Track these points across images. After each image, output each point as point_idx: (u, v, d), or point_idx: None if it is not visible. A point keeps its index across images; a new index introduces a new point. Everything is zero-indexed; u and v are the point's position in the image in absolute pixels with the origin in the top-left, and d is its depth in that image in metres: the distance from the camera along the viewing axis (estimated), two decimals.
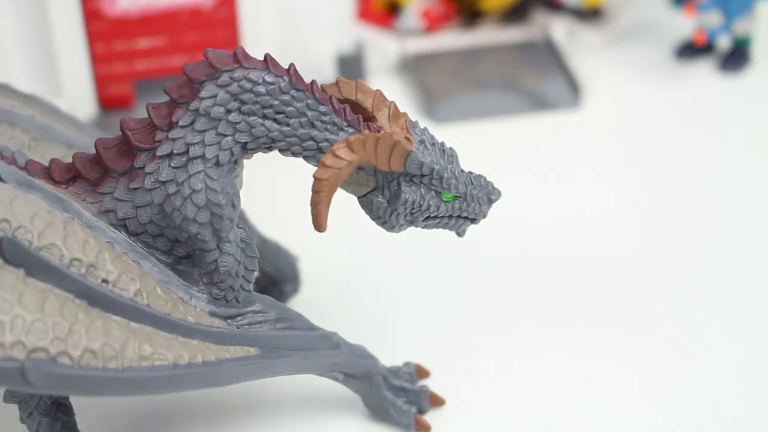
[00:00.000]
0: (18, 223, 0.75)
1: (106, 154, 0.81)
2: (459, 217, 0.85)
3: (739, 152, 1.28)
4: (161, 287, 0.82)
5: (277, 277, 1.04)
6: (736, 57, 1.40)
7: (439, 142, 0.84)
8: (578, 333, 1.03)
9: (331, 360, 0.89)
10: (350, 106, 0.82)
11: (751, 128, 1.32)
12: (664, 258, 1.12)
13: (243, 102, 0.79)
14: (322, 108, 0.80)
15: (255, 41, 1.28)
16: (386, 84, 1.39)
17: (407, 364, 0.95)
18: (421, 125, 0.85)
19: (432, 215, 0.84)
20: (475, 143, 1.29)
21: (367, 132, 0.80)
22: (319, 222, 0.80)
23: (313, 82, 0.81)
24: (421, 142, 0.82)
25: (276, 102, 0.80)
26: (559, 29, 1.44)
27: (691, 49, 1.42)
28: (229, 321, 0.84)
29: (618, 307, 1.06)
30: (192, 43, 1.27)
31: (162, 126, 0.80)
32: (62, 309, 0.75)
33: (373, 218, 0.85)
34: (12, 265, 0.75)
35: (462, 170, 0.85)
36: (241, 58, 0.79)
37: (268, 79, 0.80)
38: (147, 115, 0.81)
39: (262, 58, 0.81)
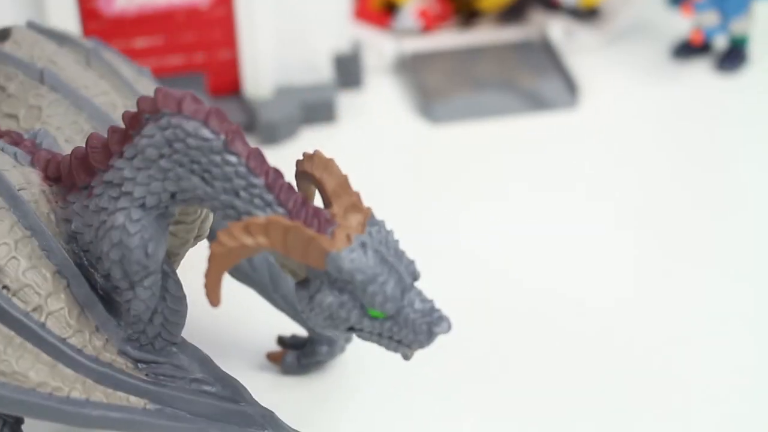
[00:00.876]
0: None
1: (89, 154, 0.79)
2: (391, 339, 0.77)
3: (736, 151, 1.28)
4: (73, 311, 0.79)
5: (311, 333, 0.98)
6: (734, 56, 1.40)
7: (399, 251, 0.76)
8: (579, 328, 1.03)
9: None
10: (316, 183, 0.77)
11: (748, 127, 1.32)
12: (662, 257, 1.12)
13: (175, 150, 0.75)
14: (254, 179, 0.75)
15: (252, 41, 1.28)
16: (383, 84, 1.39)
17: None
18: (388, 230, 0.77)
19: (356, 328, 0.77)
20: (472, 143, 1.29)
21: (273, 217, 0.74)
22: (209, 296, 0.76)
23: (254, 149, 0.75)
24: (363, 244, 0.74)
25: (205, 160, 0.75)
26: (556, 29, 1.44)
27: (688, 49, 1.42)
28: (139, 365, 0.81)
29: (617, 306, 1.06)
30: (189, 43, 1.27)
31: (114, 151, 0.78)
32: None
33: (299, 311, 0.79)
34: None
35: (410, 288, 0.76)
36: (185, 105, 0.75)
37: (202, 133, 0.74)
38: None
39: (206, 110, 0.75)
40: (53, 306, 0.79)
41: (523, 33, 1.46)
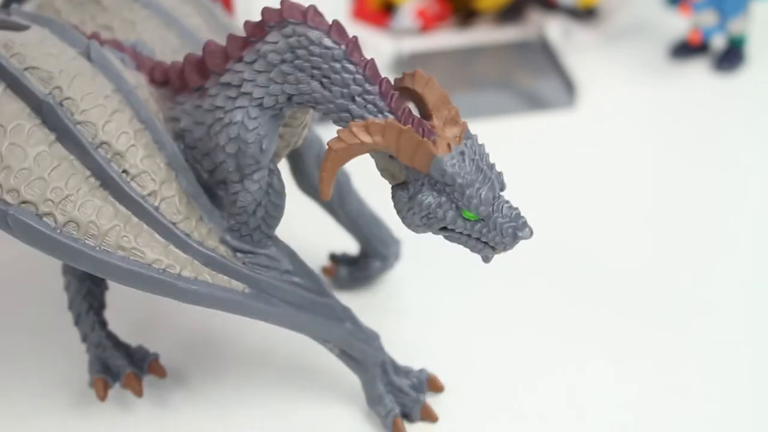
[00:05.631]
0: (69, 94, 0.85)
1: (206, 58, 0.85)
2: (479, 240, 0.83)
3: (734, 151, 1.28)
4: (182, 199, 0.86)
5: (366, 249, 1.07)
6: (731, 56, 1.41)
7: (490, 163, 0.83)
8: (579, 329, 1.03)
9: (327, 330, 0.90)
10: (416, 98, 0.83)
11: (746, 127, 1.32)
12: (660, 255, 1.12)
13: (297, 57, 0.82)
14: (368, 86, 0.81)
15: None
16: None
17: (422, 370, 0.95)
18: (481, 144, 0.83)
19: (449, 227, 0.83)
20: None
21: (391, 120, 0.80)
22: (321, 188, 0.82)
23: (371, 60, 0.82)
24: (461, 153, 0.81)
25: (326, 66, 0.81)
26: (554, 29, 1.44)
27: (686, 49, 1.42)
28: (237, 254, 0.87)
29: (615, 305, 1.06)
30: None
31: (232, 56, 0.84)
32: (69, 178, 0.84)
33: (396, 211, 0.85)
34: (47, 127, 0.84)
35: (498, 196, 0.83)
36: (309, 15, 0.81)
37: (326, 42, 0.81)
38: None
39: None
40: (166, 192, 0.86)
41: (521, 33, 1.46)
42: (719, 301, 1.07)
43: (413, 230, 0.84)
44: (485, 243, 0.83)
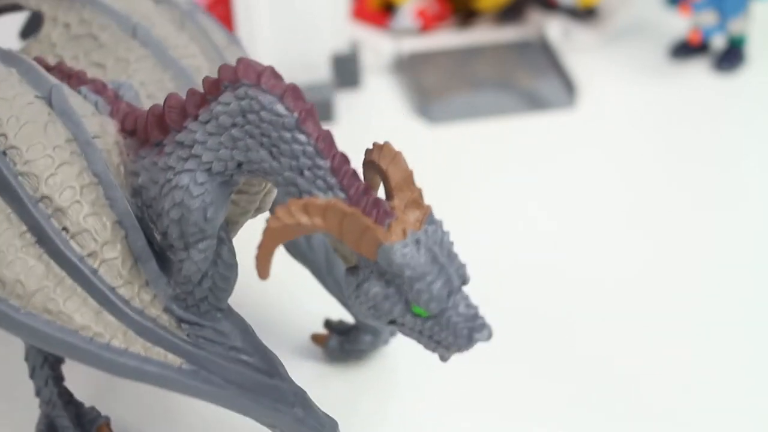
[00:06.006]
0: (14, 143, 0.79)
1: (165, 113, 0.80)
2: (430, 338, 0.76)
3: (734, 151, 1.28)
4: (126, 262, 0.81)
5: (357, 321, 0.99)
6: (731, 56, 1.41)
7: (452, 253, 0.76)
8: (576, 329, 1.03)
9: (272, 415, 0.83)
10: (382, 174, 0.77)
11: (746, 127, 1.32)
12: (660, 255, 1.12)
13: (248, 121, 0.76)
14: (319, 161, 0.75)
15: (250, 41, 1.28)
16: (381, 83, 1.39)
17: None
18: (445, 231, 0.76)
19: (397, 322, 0.76)
20: (470, 143, 1.29)
21: (333, 201, 0.73)
22: (258, 268, 0.76)
23: (326, 132, 0.76)
24: (417, 241, 0.74)
25: (275, 134, 0.75)
26: (554, 29, 1.44)
27: (686, 49, 1.42)
28: (182, 325, 0.82)
29: (614, 303, 1.06)
30: None
31: (190, 113, 0.79)
32: (2, 233, 0.79)
33: (346, 297, 0.79)
34: None
35: (456, 291, 0.75)
36: (264, 77, 0.76)
37: (277, 109, 0.75)
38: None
39: (285, 85, 0.76)
40: (108, 254, 0.80)
41: (521, 33, 1.46)
42: (720, 300, 1.07)
43: (362, 319, 0.78)
44: (438, 342, 0.76)
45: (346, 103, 1.35)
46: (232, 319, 0.83)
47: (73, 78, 0.86)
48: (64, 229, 0.79)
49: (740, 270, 1.10)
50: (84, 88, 0.85)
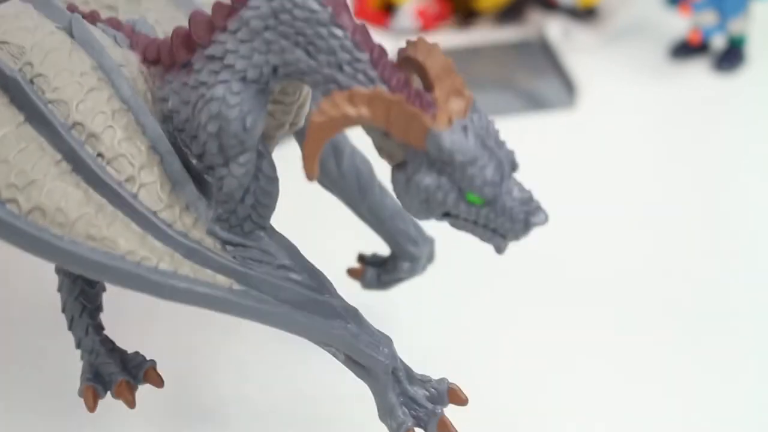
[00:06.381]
0: (41, 71, 0.79)
1: (192, 30, 0.78)
2: (486, 227, 0.74)
3: (734, 150, 1.28)
4: (165, 186, 0.79)
5: (393, 249, 0.98)
6: (731, 56, 1.40)
7: (499, 140, 0.74)
8: (576, 329, 1.03)
9: (327, 332, 0.81)
10: (419, 69, 0.74)
11: (746, 127, 1.32)
12: (660, 255, 1.12)
13: (281, 22, 0.74)
14: (359, 54, 0.73)
15: None
16: None
17: (442, 380, 0.85)
18: (489, 119, 0.74)
19: (451, 213, 0.74)
20: None
21: (379, 90, 0.71)
22: (306, 169, 0.74)
23: (361, 25, 0.74)
24: (464, 127, 0.72)
25: (310, 31, 0.73)
26: (554, 29, 1.44)
27: (686, 49, 1.42)
28: (227, 247, 0.80)
29: (614, 304, 1.06)
30: None
31: (218, 26, 0.77)
32: (37, 162, 0.77)
33: (396, 195, 0.76)
34: (16, 106, 0.78)
35: (508, 177, 0.74)
36: None
37: (309, 4, 0.73)
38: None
39: None
40: (146, 179, 0.79)
41: (521, 33, 1.46)
42: (720, 300, 1.07)
43: (415, 216, 0.76)
44: (494, 230, 0.74)
45: None
46: (276, 238, 0.82)
47: (87, 17, 0.84)
48: (99, 155, 0.78)
49: (740, 269, 1.10)
50: (101, 24, 0.84)
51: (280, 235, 0.82)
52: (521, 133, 1.31)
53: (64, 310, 0.91)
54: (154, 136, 0.79)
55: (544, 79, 1.38)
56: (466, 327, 1.04)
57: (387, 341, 0.82)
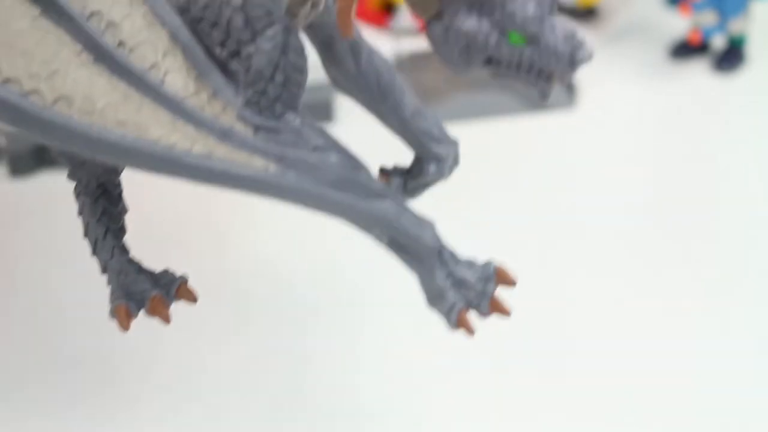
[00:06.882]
0: None
1: None
2: (530, 70, 0.73)
3: (734, 151, 1.28)
4: (191, 72, 0.76)
5: (418, 151, 0.92)
6: (731, 56, 1.41)
7: None
8: (576, 328, 1.04)
9: (368, 210, 0.77)
10: None
11: (746, 127, 1.32)
12: (660, 255, 1.12)
13: None
14: None
15: None
16: None
17: (488, 263, 0.81)
18: None
19: (494, 57, 0.72)
20: (470, 143, 1.29)
21: None
22: (341, 25, 0.72)
23: None
24: None
25: None
26: None
27: (686, 49, 1.42)
28: (259, 132, 0.77)
29: (614, 303, 1.06)
30: None
31: None
32: (57, 52, 0.75)
33: (434, 50, 0.75)
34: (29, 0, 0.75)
35: (549, 14, 0.72)
36: None
37: None
38: None
39: None
40: (171, 65, 0.76)
41: None
42: (719, 299, 1.07)
43: (454, 70, 0.74)
44: (539, 73, 0.73)
45: (345, 104, 1.35)
46: (307, 120, 0.79)
47: None
48: (121, 43, 0.75)
49: (740, 270, 1.11)
50: None
51: (312, 118, 0.79)
52: (521, 132, 1.32)
53: (86, 234, 0.88)
54: (174, 25, 0.76)
55: None
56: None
57: (430, 224, 0.79)
